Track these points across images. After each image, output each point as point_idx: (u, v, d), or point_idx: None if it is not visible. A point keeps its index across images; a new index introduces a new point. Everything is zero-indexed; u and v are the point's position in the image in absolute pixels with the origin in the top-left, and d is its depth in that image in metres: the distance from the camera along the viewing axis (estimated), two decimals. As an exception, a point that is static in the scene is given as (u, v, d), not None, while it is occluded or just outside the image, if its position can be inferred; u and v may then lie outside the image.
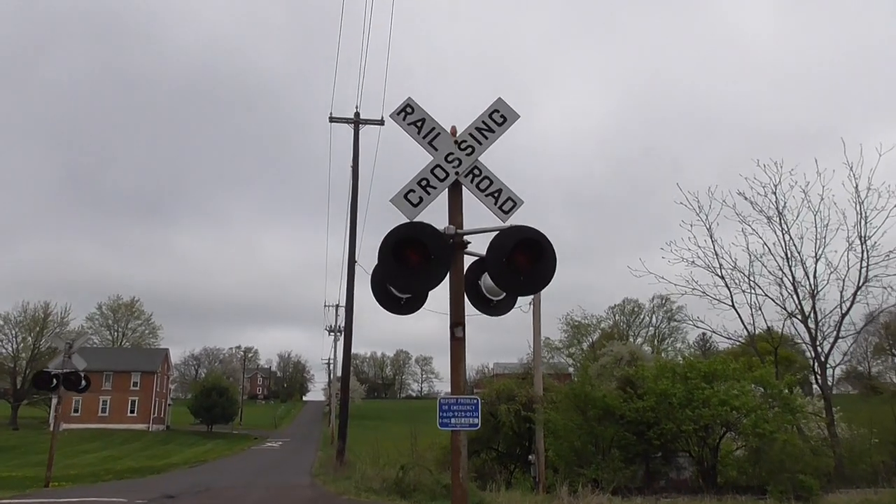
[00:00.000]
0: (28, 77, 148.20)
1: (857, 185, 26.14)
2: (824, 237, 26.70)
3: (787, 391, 20.61)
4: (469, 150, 6.66)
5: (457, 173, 6.57)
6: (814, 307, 27.19)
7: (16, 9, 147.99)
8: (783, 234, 27.57)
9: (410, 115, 6.74)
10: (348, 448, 27.79)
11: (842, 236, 26.88)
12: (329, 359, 60.86)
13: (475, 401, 6.31)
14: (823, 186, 26.75)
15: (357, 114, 28.89)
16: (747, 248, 28.29)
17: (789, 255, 27.43)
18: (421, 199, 6.46)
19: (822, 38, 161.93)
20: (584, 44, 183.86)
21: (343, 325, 35.63)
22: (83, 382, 19.71)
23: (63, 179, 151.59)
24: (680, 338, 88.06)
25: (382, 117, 28.89)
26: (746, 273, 28.22)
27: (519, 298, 7.26)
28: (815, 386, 30.69)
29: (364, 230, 55.50)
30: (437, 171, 6.59)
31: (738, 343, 30.29)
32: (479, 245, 6.73)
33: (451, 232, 6.31)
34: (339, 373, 47.72)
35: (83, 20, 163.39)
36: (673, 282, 29.02)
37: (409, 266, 6.07)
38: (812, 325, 27.17)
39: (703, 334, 79.07)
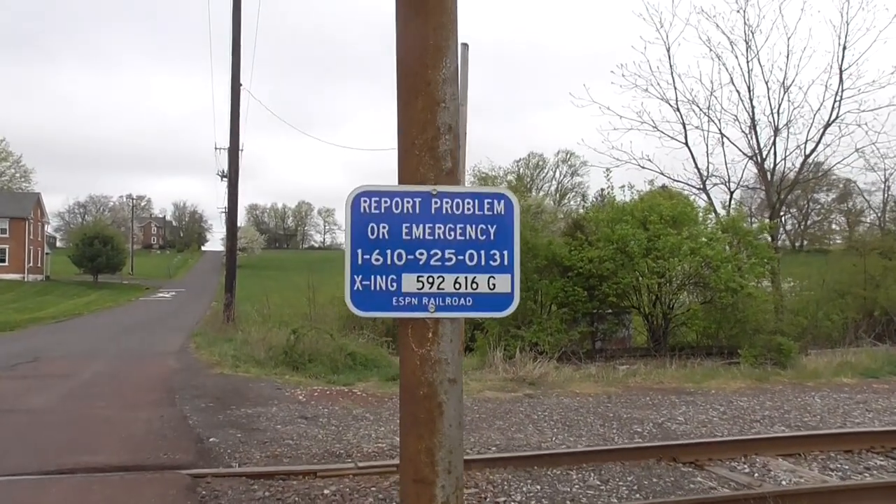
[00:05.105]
0: None
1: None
2: (797, 65, 23.14)
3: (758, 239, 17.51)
4: None
5: None
6: (773, 148, 24.07)
7: None
8: (748, 63, 23.81)
9: None
10: (239, 302, 23.93)
11: (815, 65, 23.52)
12: (224, 207, 55.60)
13: (506, 200, 2.40)
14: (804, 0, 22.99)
15: None
16: (711, 78, 24.60)
17: (752, 88, 23.83)
18: None
19: None
20: None
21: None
22: None
23: None
24: (581, 192, 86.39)
25: None
26: (704, 107, 24.64)
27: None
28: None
29: (255, 55, 48.79)
30: None
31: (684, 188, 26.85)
32: None
33: None
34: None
35: None
36: (619, 114, 25.06)
37: None
38: (769, 167, 24.17)
39: (602, 190, 77.49)
